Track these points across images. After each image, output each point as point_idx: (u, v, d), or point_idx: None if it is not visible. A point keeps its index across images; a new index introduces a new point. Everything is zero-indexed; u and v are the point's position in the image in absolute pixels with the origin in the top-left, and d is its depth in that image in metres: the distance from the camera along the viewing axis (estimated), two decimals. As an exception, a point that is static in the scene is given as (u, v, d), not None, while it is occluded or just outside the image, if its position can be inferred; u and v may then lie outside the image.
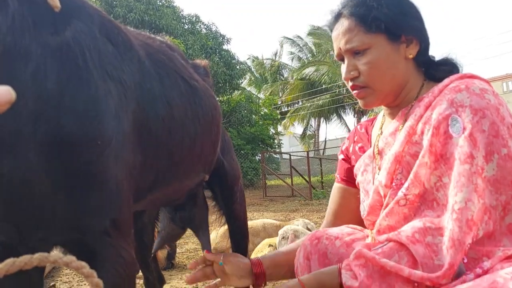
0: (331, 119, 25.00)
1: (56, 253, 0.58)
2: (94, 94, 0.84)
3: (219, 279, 1.27)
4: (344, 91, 22.02)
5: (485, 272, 0.77)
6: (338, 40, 1.03)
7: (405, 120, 0.99)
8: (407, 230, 0.88)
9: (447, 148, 0.86)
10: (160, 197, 1.21)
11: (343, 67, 1.04)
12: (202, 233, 1.50)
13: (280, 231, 3.54)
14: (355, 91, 1.03)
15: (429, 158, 0.88)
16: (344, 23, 1.01)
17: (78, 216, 0.83)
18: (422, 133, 0.92)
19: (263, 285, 1.24)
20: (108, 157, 0.84)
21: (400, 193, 0.93)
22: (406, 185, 0.92)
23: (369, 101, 1.03)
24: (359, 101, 1.05)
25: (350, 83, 1.03)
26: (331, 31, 1.07)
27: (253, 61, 27.17)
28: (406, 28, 0.99)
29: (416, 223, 0.88)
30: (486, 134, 0.82)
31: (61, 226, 0.83)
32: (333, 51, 1.09)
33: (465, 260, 0.82)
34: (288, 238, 3.38)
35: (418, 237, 0.85)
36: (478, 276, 0.76)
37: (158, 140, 1.02)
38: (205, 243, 1.47)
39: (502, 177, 0.82)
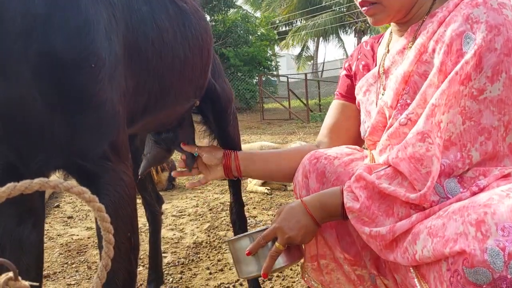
0: (330, 40, 24.28)
1: (56, 178, 0.59)
2: (83, 14, 0.80)
3: (202, 176, 1.38)
4: (345, 9, 21.11)
5: (481, 189, 0.77)
6: None
7: (415, 37, 0.94)
8: (393, 151, 0.88)
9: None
10: (153, 122, 1.22)
11: None
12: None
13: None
14: (364, 8, 0.97)
15: (438, 78, 0.85)
16: None
17: (76, 139, 0.83)
18: (434, 51, 0.88)
19: (235, 176, 1.31)
20: (103, 80, 0.82)
21: (404, 114, 0.91)
22: (412, 105, 0.89)
23: (379, 18, 0.97)
24: (368, 18, 1.00)
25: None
26: None
27: None
28: None
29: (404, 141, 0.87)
30: (498, 53, 0.79)
31: (60, 149, 0.83)
32: None
33: (455, 181, 0.83)
34: None
35: (401, 154, 0.85)
36: (474, 193, 0.77)
37: (148, 64, 1.00)
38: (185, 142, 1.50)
39: (507, 97, 0.80)
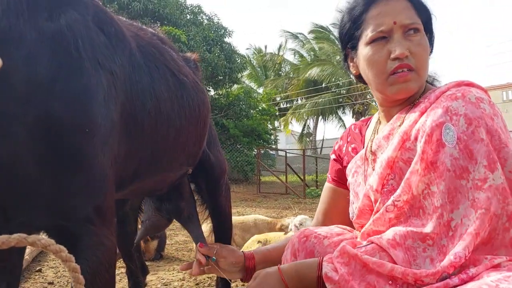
0: (329, 119, 24.97)
1: (35, 235, 0.59)
2: (85, 83, 0.85)
3: (209, 266, 1.30)
4: (344, 91, 22.00)
5: (471, 278, 0.77)
6: (395, 13, 0.96)
7: (400, 125, 0.98)
8: (389, 233, 0.89)
9: (438, 157, 0.85)
10: (142, 187, 1.23)
11: (395, 41, 0.95)
12: (193, 226, 1.49)
13: (296, 220, 3.75)
14: (400, 71, 0.95)
15: (420, 166, 0.88)
16: (400, 1, 0.98)
17: (62, 201, 0.84)
18: (416, 139, 0.91)
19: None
20: (96, 145, 0.85)
21: (390, 200, 0.93)
22: (397, 192, 0.91)
23: (411, 86, 0.96)
24: (397, 86, 0.97)
25: (397, 63, 0.95)
26: (371, 4, 1.00)
27: (254, 53, 26.93)
28: (431, 27, 1.03)
29: (399, 228, 0.88)
30: (485, 143, 0.82)
31: (45, 210, 0.84)
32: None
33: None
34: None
35: (398, 239, 0.85)
36: (462, 281, 0.77)
37: (144, 132, 1.04)
38: (197, 236, 1.47)
39: (509, 186, 0.82)
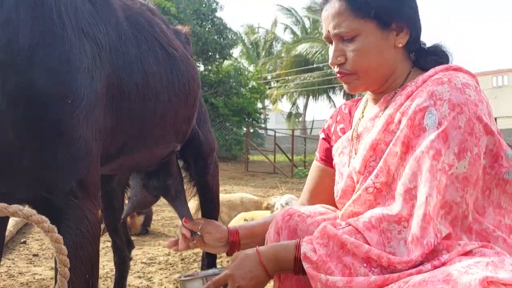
0: (320, 99, 24.93)
1: (16, 205, 0.58)
2: (67, 51, 0.82)
3: (194, 241, 1.30)
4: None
5: (443, 264, 0.78)
6: (327, 22, 1.00)
7: (386, 107, 0.99)
8: (366, 216, 0.90)
9: (417, 140, 0.86)
10: (129, 163, 1.21)
11: (331, 50, 1.02)
12: (179, 203, 1.49)
13: (282, 199, 3.74)
14: (339, 75, 1.03)
15: (400, 148, 0.89)
16: (334, 5, 0.98)
17: (44, 173, 0.82)
18: (399, 122, 0.92)
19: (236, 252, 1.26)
20: (78, 117, 0.83)
21: (369, 181, 0.94)
22: (374, 172, 0.93)
23: (353, 86, 1.02)
24: (343, 85, 1.05)
25: (336, 68, 1.02)
26: (321, 10, 1.04)
27: (246, 29, 26.57)
28: (398, 16, 0.97)
29: (376, 211, 0.89)
30: (462, 131, 0.83)
31: (27, 182, 0.82)
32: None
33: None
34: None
35: (374, 222, 0.87)
36: (435, 267, 0.78)
37: (130, 105, 1.01)
38: (183, 214, 1.47)
39: (471, 175, 0.83)
